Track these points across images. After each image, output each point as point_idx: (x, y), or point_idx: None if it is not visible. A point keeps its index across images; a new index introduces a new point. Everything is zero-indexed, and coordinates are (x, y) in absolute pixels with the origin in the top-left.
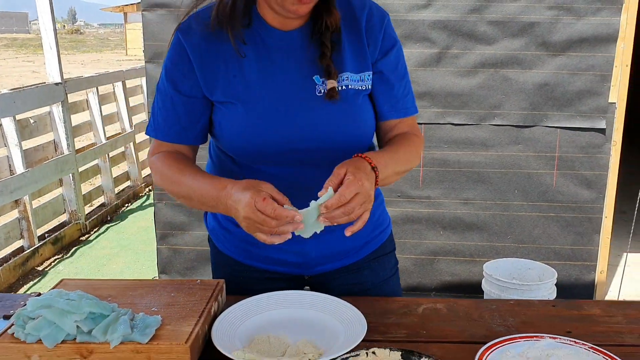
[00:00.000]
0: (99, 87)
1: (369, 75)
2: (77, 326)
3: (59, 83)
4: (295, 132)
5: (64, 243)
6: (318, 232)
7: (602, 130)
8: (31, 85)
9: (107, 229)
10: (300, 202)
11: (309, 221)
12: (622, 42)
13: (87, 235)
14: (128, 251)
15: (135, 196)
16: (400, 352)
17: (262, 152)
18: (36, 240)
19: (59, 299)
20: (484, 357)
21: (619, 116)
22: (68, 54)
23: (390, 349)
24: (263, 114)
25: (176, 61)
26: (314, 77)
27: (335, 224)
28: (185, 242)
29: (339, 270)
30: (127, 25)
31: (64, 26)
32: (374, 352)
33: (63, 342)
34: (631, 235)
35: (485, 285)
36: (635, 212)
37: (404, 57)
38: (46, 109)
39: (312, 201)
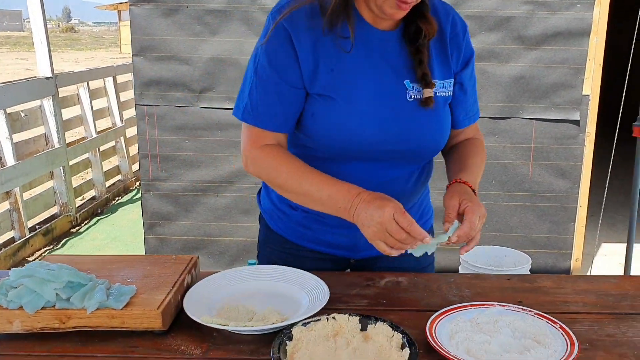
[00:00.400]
0: (89, 82)
1: (451, 83)
2: (57, 294)
3: (50, 77)
4: (383, 133)
5: (55, 235)
6: (429, 253)
7: (576, 122)
8: (22, 79)
9: (97, 221)
10: None
11: (428, 245)
12: (595, 36)
13: (77, 227)
14: (118, 242)
15: (126, 190)
16: (358, 317)
17: (347, 147)
18: (27, 232)
19: (40, 269)
20: (436, 322)
21: (593, 108)
22: (62, 52)
23: (350, 314)
24: (356, 111)
25: (281, 50)
26: (405, 82)
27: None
28: (172, 232)
29: (384, 255)
30: (121, 23)
31: (59, 24)
32: (334, 317)
33: (43, 308)
34: (599, 225)
35: (461, 271)
36: (603, 207)
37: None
38: (37, 102)
39: (441, 234)
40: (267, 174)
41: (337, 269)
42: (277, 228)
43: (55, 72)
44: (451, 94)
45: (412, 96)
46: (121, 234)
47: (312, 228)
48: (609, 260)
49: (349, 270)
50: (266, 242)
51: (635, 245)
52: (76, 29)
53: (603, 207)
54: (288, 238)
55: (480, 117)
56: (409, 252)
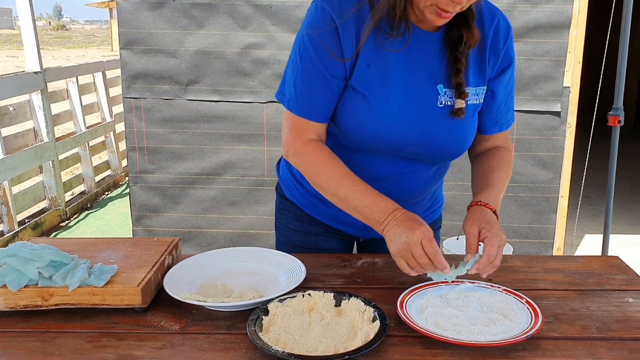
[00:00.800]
0: (79, 77)
1: (483, 90)
2: (39, 272)
3: (38, 72)
4: (408, 136)
5: (44, 228)
6: (449, 280)
7: (557, 113)
8: (10, 74)
9: (86, 215)
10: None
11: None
12: (574, 28)
13: (67, 222)
14: (106, 236)
15: (115, 185)
16: (332, 294)
17: (370, 143)
18: (16, 225)
19: (23, 248)
20: (407, 298)
21: (573, 99)
22: (53, 50)
23: (325, 291)
24: (385, 113)
25: (328, 40)
26: (438, 86)
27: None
28: (160, 224)
29: None
30: (112, 21)
31: (50, 22)
32: (309, 294)
33: (26, 286)
34: (578, 214)
35: None
36: (580, 197)
37: (514, 72)
38: (25, 97)
39: (462, 266)
40: (308, 169)
41: (344, 245)
42: (291, 197)
43: (44, 67)
44: (482, 101)
45: (443, 102)
46: (110, 227)
47: (327, 203)
48: (591, 250)
49: (355, 248)
50: (281, 209)
51: (620, 236)
52: (67, 27)
53: (581, 197)
54: (302, 207)
55: None
56: (428, 275)
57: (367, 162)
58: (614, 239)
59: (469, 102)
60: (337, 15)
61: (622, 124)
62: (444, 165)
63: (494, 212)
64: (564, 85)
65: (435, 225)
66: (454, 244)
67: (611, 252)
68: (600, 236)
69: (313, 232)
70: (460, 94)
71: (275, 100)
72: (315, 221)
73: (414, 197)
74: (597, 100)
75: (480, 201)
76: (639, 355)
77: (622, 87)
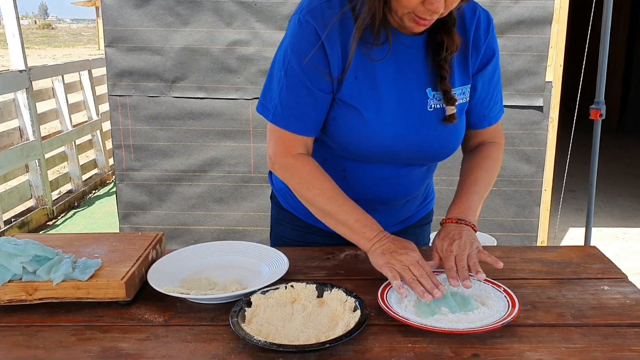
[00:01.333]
0: (65, 76)
1: (469, 88)
2: (23, 267)
3: (23, 70)
4: (401, 144)
5: (31, 227)
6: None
7: (539, 108)
8: None
9: (74, 214)
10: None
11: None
12: (556, 24)
13: (54, 220)
14: None
15: (103, 183)
16: (315, 285)
17: (368, 152)
18: (2, 224)
19: (7, 244)
20: (388, 288)
21: (555, 94)
22: (39, 49)
23: (307, 283)
24: (377, 123)
25: (315, 56)
26: (427, 90)
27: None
28: (147, 222)
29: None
30: (98, 20)
31: (35, 21)
32: (292, 286)
33: (10, 281)
34: (560, 207)
35: None
36: (563, 190)
37: (499, 64)
38: (10, 95)
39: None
40: (298, 184)
41: (343, 246)
42: (287, 206)
43: (29, 66)
44: (468, 99)
45: (433, 106)
46: (97, 226)
47: None
48: (574, 243)
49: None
50: (277, 220)
51: (603, 229)
52: (54, 26)
53: (564, 190)
54: (299, 216)
55: None
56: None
57: (363, 168)
58: (597, 232)
59: (456, 103)
60: (322, 30)
61: (604, 117)
62: (435, 164)
63: (462, 221)
64: (546, 80)
65: (427, 220)
66: None
67: (594, 244)
68: (584, 229)
69: (310, 242)
70: (449, 100)
71: None
72: (313, 229)
73: (409, 194)
74: (578, 95)
75: (450, 219)
76: (612, 341)
77: (603, 81)
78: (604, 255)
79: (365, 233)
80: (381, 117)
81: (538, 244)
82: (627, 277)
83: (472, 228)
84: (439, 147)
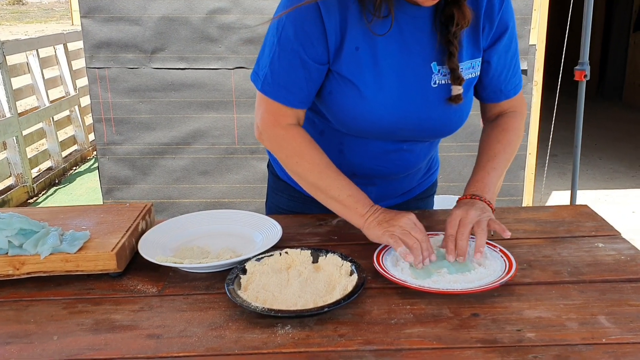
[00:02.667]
0: (39, 50)
1: (479, 62)
2: (9, 241)
3: None
4: (402, 122)
5: (11, 205)
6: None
7: (524, 71)
8: None
9: (55, 191)
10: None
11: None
12: None
13: (35, 198)
14: None
15: (83, 159)
16: (310, 251)
17: (367, 130)
18: None
19: None
20: (383, 251)
21: (539, 57)
22: (10, 25)
23: (302, 249)
24: (376, 101)
25: (308, 21)
26: (432, 64)
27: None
28: (131, 196)
29: (389, 207)
30: None
31: None
32: (286, 252)
33: None
34: (546, 169)
35: None
36: (548, 154)
37: (516, 37)
38: None
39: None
40: (287, 156)
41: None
42: (284, 176)
43: (2, 40)
44: (478, 74)
45: (437, 82)
46: (80, 202)
47: None
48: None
49: None
50: (274, 189)
51: (585, 192)
52: (24, 2)
53: (548, 155)
54: (295, 186)
55: None
56: (414, 267)
57: (362, 143)
58: (580, 194)
59: (464, 81)
60: None
61: (588, 78)
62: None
63: (478, 197)
64: (530, 43)
65: (431, 191)
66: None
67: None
68: (567, 192)
69: (310, 207)
70: (456, 79)
71: (244, 66)
72: (310, 200)
73: (411, 169)
74: (563, 58)
75: (466, 195)
76: (609, 296)
77: (587, 42)
78: (596, 213)
79: (357, 209)
80: (381, 94)
81: None
82: (620, 234)
83: (488, 204)
84: (442, 126)
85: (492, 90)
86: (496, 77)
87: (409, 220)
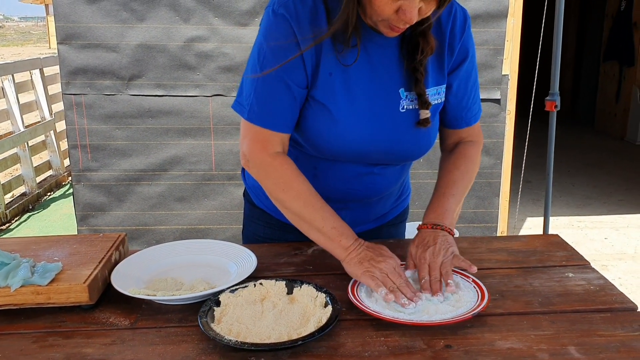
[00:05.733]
0: (15, 75)
1: (444, 89)
2: None
3: None
4: (372, 146)
5: None
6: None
7: (497, 101)
8: None
9: (28, 217)
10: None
11: None
12: (512, 17)
13: (7, 225)
14: None
15: (58, 185)
16: (284, 282)
17: (339, 153)
18: None
19: None
20: (358, 282)
21: (512, 87)
22: None
23: (276, 280)
24: (348, 125)
25: (286, 47)
26: (399, 90)
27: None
28: (106, 223)
29: (361, 234)
30: (49, 18)
31: None
32: (261, 283)
33: None
34: (519, 197)
35: None
36: (521, 180)
37: (476, 67)
38: None
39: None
40: (273, 184)
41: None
42: (259, 203)
43: None
44: (443, 99)
45: (405, 107)
46: (54, 229)
47: None
48: (533, 232)
49: None
50: (250, 217)
51: (559, 218)
52: (1, 24)
53: (522, 181)
54: (270, 213)
55: None
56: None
57: (335, 167)
58: (553, 220)
59: (431, 106)
60: (295, 22)
61: (559, 108)
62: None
63: (439, 226)
64: (503, 73)
65: (403, 216)
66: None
67: (551, 233)
68: (541, 219)
69: (284, 240)
70: (423, 103)
71: (221, 94)
72: (287, 228)
73: (383, 192)
74: (534, 87)
75: (426, 224)
76: (579, 326)
77: (557, 73)
78: (566, 243)
79: (341, 241)
80: (353, 118)
81: (498, 234)
82: (589, 263)
83: (449, 232)
84: (411, 149)
85: (453, 117)
86: (457, 103)
87: (389, 265)
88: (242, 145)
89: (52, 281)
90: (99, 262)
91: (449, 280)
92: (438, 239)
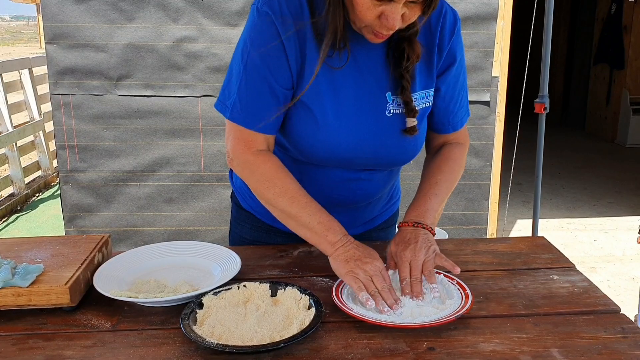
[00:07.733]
0: (3, 75)
1: (432, 92)
2: None
3: None
4: (358, 151)
5: None
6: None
7: (487, 103)
8: None
9: (16, 218)
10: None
11: None
12: (501, 20)
13: None
14: None
15: (47, 185)
16: (268, 284)
17: (325, 158)
18: None
19: None
20: (342, 285)
21: (502, 89)
22: None
23: (260, 282)
24: (333, 128)
25: (272, 48)
26: (386, 94)
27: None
28: (94, 224)
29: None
30: (40, 17)
31: None
32: (244, 286)
33: None
34: (508, 199)
35: None
36: (510, 182)
37: (464, 72)
38: None
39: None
40: (257, 182)
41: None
42: (246, 206)
43: None
44: (431, 103)
45: (392, 111)
46: (42, 230)
47: None
48: (522, 234)
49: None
50: (237, 220)
51: (549, 220)
52: None
53: (511, 184)
54: (257, 216)
55: None
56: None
57: (321, 173)
58: (543, 222)
59: (417, 107)
60: (279, 21)
61: (548, 111)
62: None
63: (420, 224)
64: (493, 75)
65: (393, 220)
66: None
67: (540, 235)
68: (531, 221)
69: (270, 243)
70: (410, 111)
71: (210, 94)
72: (274, 230)
73: (371, 197)
74: (523, 90)
75: (407, 222)
76: (561, 329)
77: (546, 76)
78: (552, 245)
79: (328, 236)
80: (338, 121)
81: (488, 236)
82: (574, 266)
83: (430, 231)
84: (397, 154)
85: (440, 121)
86: (444, 107)
87: (375, 267)
88: (226, 145)
89: (33, 283)
90: (82, 264)
91: (433, 286)
92: (419, 237)
